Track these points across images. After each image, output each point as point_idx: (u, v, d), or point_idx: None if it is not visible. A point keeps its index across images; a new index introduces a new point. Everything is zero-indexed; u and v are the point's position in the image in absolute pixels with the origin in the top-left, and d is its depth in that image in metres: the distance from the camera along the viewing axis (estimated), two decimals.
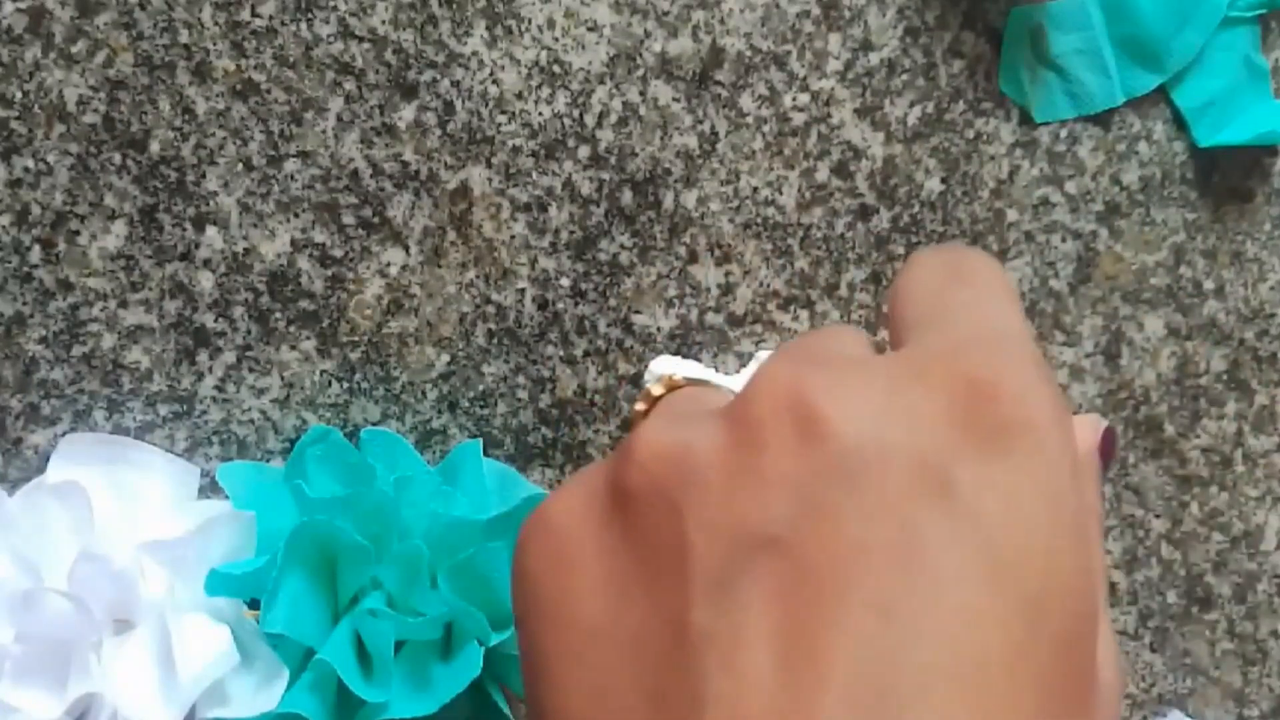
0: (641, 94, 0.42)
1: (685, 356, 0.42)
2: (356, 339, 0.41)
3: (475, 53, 0.41)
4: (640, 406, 0.24)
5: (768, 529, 0.17)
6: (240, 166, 0.41)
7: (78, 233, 0.40)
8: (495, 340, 0.42)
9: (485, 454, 0.41)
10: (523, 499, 0.38)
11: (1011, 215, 0.43)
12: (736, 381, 0.35)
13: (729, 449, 0.18)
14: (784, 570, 0.17)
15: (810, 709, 0.16)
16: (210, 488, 0.41)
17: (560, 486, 0.20)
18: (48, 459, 0.40)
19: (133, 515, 0.38)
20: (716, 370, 0.40)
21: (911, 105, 0.42)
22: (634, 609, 0.18)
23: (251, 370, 0.41)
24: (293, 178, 0.41)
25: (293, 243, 0.41)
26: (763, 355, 0.38)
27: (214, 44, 0.40)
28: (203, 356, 0.41)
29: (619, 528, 0.19)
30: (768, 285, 0.42)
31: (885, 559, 0.17)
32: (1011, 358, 0.18)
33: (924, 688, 0.16)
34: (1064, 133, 0.43)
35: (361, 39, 0.41)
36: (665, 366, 0.37)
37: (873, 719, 0.16)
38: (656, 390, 0.24)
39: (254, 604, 0.38)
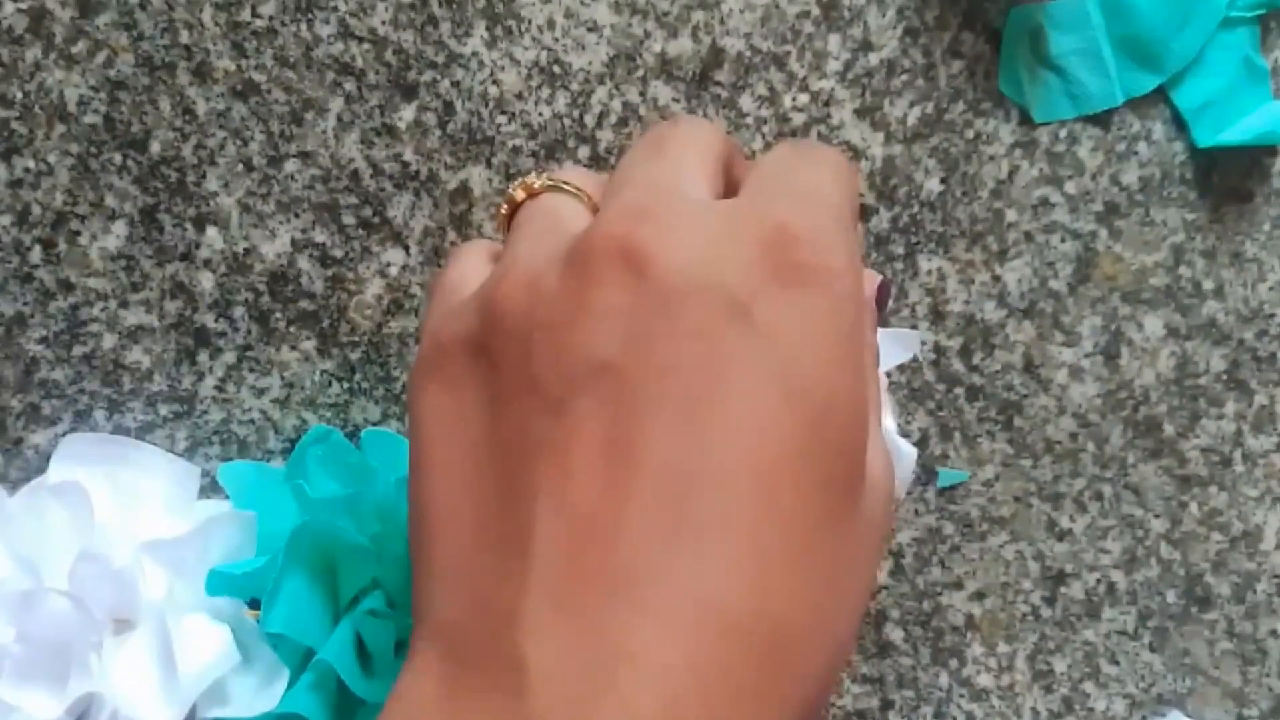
0: (641, 94, 0.42)
1: None
2: (357, 339, 0.42)
3: (475, 53, 0.41)
4: (504, 211, 0.26)
5: (600, 354, 0.21)
6: (241, 167, 0.41)
7: (78, 233, 0.41)
8: None
9: None
10: None
11: (1011, 215, 0.43)
12: None
13: (570, 287, 0.21)
14: (611, 388, 0.20)
15: (626, 495, 0.20)
16: (210, 487, 0.41)
17: (445, 314, 0.24)
18: (48, 459, 0.40)
19: (133, 515, 0.38)
20: None
21: (911, 105, 0.42)
22: (493, 421, 0.22)
23: (252, 370, 0.41)
24: (293, 178, 0.41)
25: (293, 243, 0.41)
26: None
27: (214, 44, 0.40)
28: (203, 356, 0.41)
29: (484, 354, 0.22)
30: None
31: (693, 375, 0.20)
32: (816, 212, 0.22)
33: (721, 482, 0.20)
34: (1063, 133, 0.43)
35: (362, 39, 0.41)
36: None
37: (676, 505, 0.20)
38: (519, 195, 0.26)
39: (254, 604, 0.38)
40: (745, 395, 0.20)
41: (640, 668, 0.19)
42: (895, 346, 0.37)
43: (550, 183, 0.26)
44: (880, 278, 0.27)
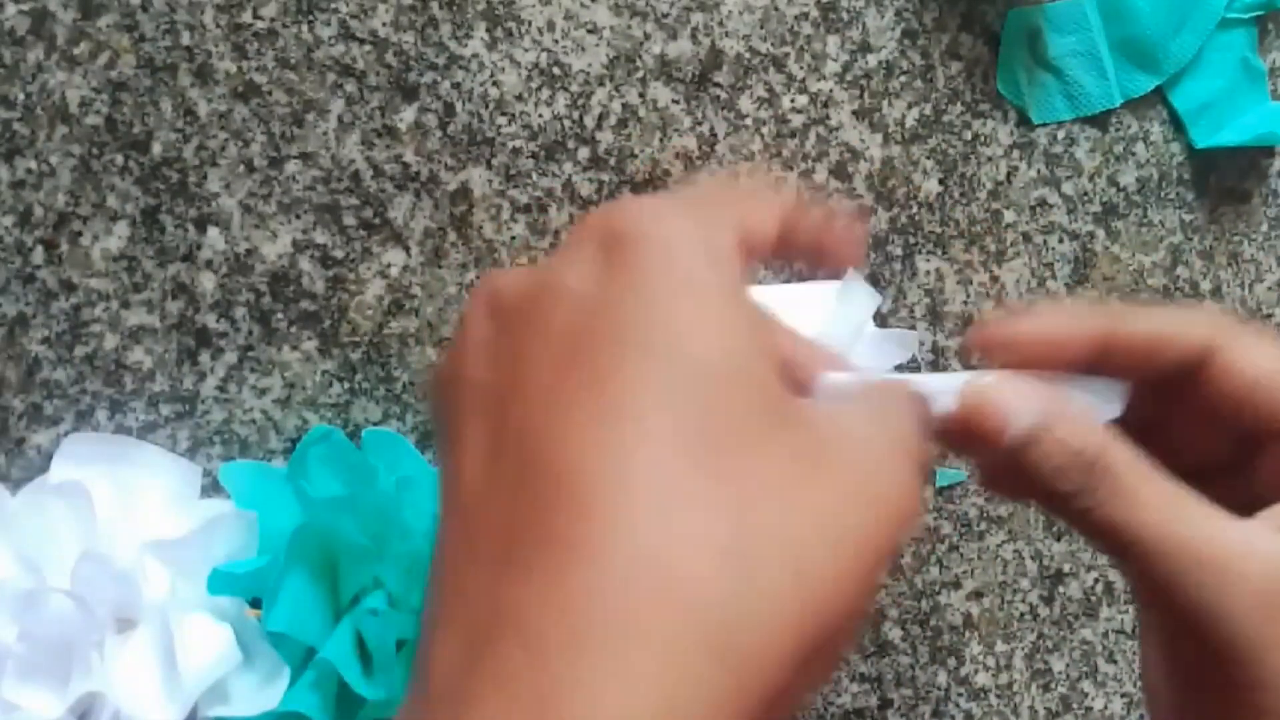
0: (641, 96, 0.42)
1: None
2: (358, 339, 0.42)
3: (476, 55, 0.41)
4: None
5: (474, 378, 0.23)
6: (242, 168, 0.41)
7: (80, 234, 0.41)
8: None
9: None
10: None
11: (1009, 216, 0.43)
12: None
13: (459, 337, 0.24)
14: (484, 400, 0.22)
15: (491, 474, 0.22)
16: (212, 487, 0.41)
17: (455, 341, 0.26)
18: (50, 459, 0.40)
19: (135, 515, 0.39)
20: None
21: (909, 107, 0.43)
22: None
23: (253, 370, 0.41)
24: (294, 179, 0.41)
25: (294, 244, 0.41)
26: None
27: (216, 46, 0.41)
28: (205, 357, 0.41)
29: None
30: (759, 282, 0.42)
31: (541, 360, 0.22)
32: (644, 202, 0.24)
33: (582, 439, 0.20)
34: (1061, 134, 0.43)
35: (362, 41, 0.41)
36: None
37: (536, 466, 0.21)
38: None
39: (255, 603, 0.38)
40: (594, 358, 0.21)
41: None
42: (893, 347, 0.37)
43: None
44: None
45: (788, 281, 0.42)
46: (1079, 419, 0.26)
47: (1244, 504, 0.26)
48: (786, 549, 0.20)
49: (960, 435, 0.26)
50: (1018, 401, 0.26)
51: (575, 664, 0.18)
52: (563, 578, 0.19)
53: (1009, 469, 0.26)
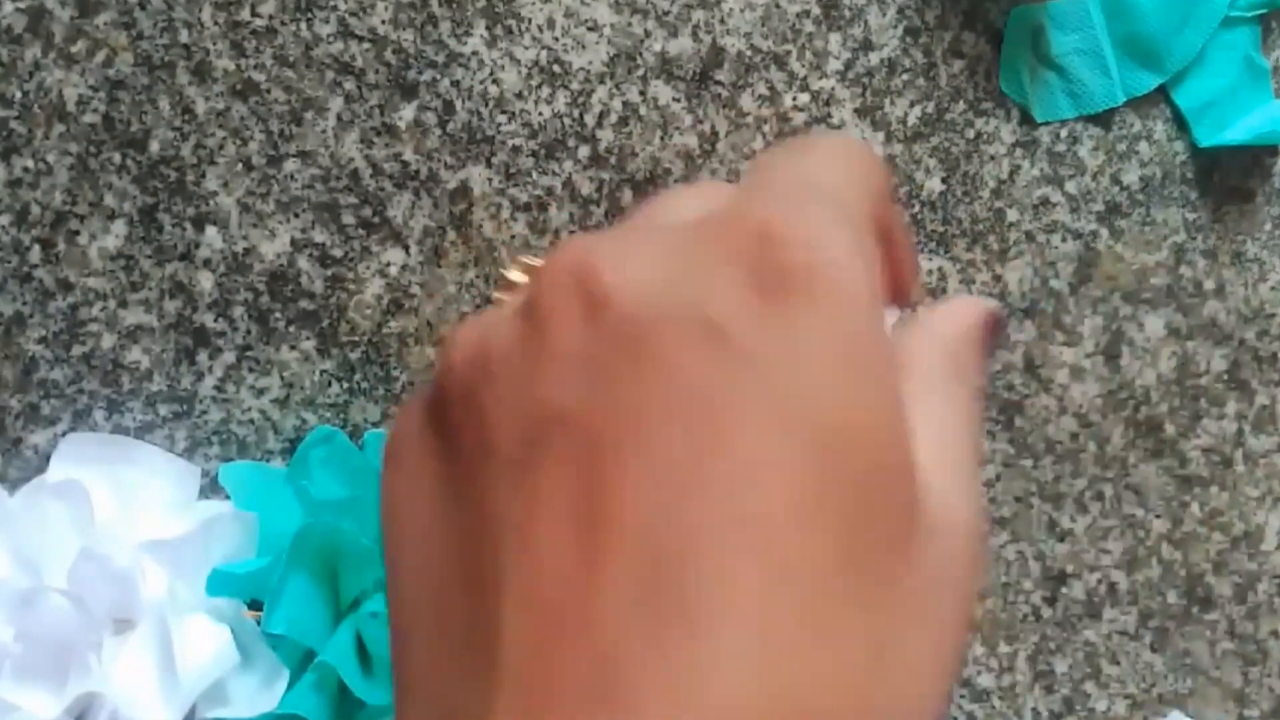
0: (642, 94, 0.42)
1: None
2: (356, 339, 0.41)
3: (475, 52, 0.41)
4: (499, 295, 0.23)
5: (558, 407, 0.17)
6: (240, 166, 0.41)
7: (77, 232, 0.40)
8: None
9: None
10: None
11: (1012, 215, 0.43)
12: None
13: (522, 336, 0.18)
14: (574, 445, 0.17)
15: (598, 576, 0.16)
16: (210, 487, 0.41)
17: (403, 404, 0.21)
18: (48, 459, 0.40)
19: (134, 515, 0.38)
20: None
21: (912, 105, 0.42)
22: (457, 505, 0.18)
23: (251, 370, 0.41)
24: (293, 177, 0.41)
25: (293, 242, 0.41)
26: None
27: (214, 44, 0.40)
28: (202, 356, 0.41)
29: (440, 432, 0.19)
30: None
31: (664, 419, 0.16)
32: (804, 205, 0.18)
33: (713, 549, 0.16)
34: (1064, 132, 0.43)
35: (361, 39, 0.41)
36: None
37: (659, 582, 0.16)
38: (514, 276, 0.22)
39: (253, 604, 0.38)
40: (732, 436, 0.16)
41: None
42: None
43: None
44: (989, 306, 0.22)
45: None
46: None
47: None
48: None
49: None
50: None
51: None
52: None
53: None
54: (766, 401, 0.16)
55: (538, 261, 0.20)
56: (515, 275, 0.21)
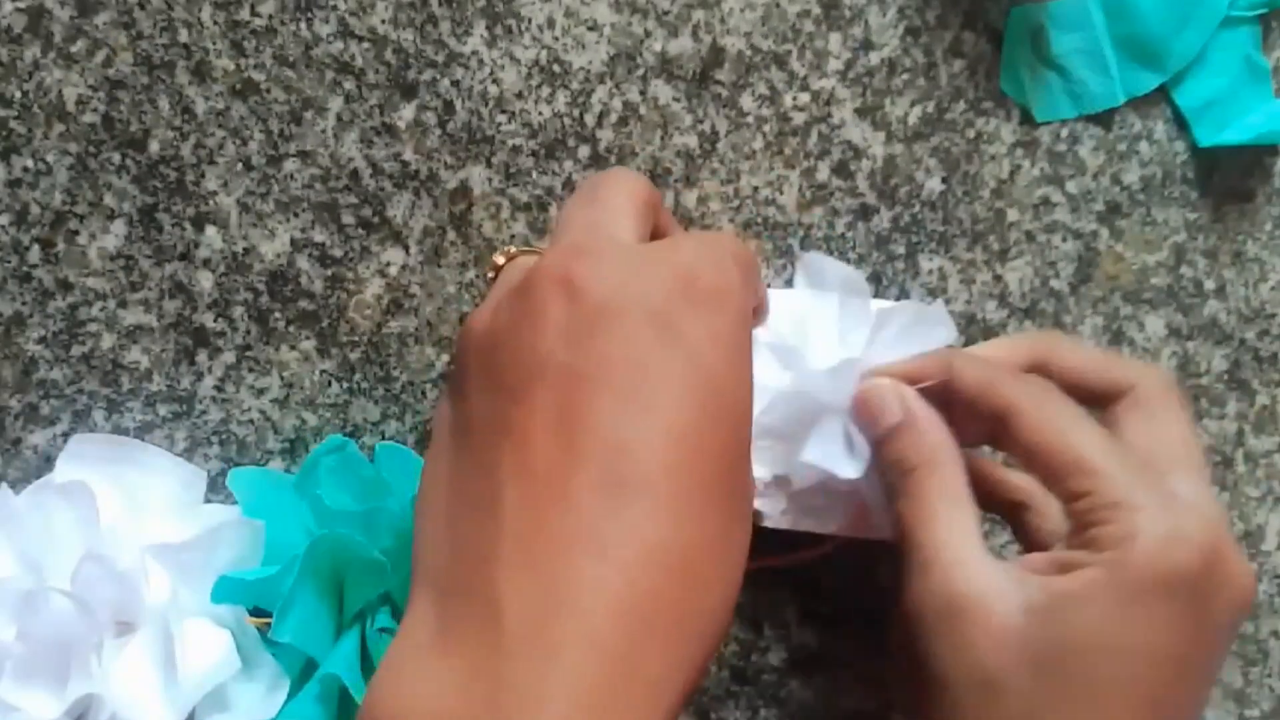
0: (642, 93, 0.42)
1: None
2: (356, 339, 0.41)
3: (475, 52, 0.41)
4: (490, 275, 0.33)
5: (547, 355, 0.26)
6: (240, 166, 0.41)
7: (77, 232, 0.40)
8: None
9: None
10: None
11: (1012, 215, 0.43)
12: (791, 297, 0.39)
13: (520, 308, 0.27)
14: (560, 379, 0.26)
15: (576, 461, 0.25)
16: (210, 488, 0.41)
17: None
18: (47, 459, 0.40)
19: (139, 517, 0.38)
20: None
21: (912, 105, 0.42)
22: (471, 415, 0.28)
23: (251, 370, 0.41)
24: (292, 177, 0.41)
25: (292, 242, 0.41)
26: (808, 256, 0.39)
27: (213, 43, 0.40)
28: (202, 356, 0.41)
29: (465, 372, 0.28)
30: (768, 285, 0.42)
31: (625, 368, 0.26)
32: (717, 252, 0.29)
33: (648, 446, 0.26)
34: (1065, 132, 0.43)
35: (361, 38, 0.41)
36: None
37: (615, 467, 0.25)
38: (499, 260, 0.32)
39: (254, 611, 0.38)
40: (664, 382, 0.26)
41: (596, 593, 0.24)
42: (926, 328, 0.37)
43: (524, 249, 0.33)
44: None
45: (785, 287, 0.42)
46: (925, 433, 0.34)
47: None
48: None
49: (857, 412, 0.35)
50: (889, 403, 0.34)
51: (643, 642, 0.24)
52: (629, 569, 0.25)
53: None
54: (683, 364, 0.26)
55: (517, 249, 0.33)
56: (499, 259, 0.33)
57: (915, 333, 0.36)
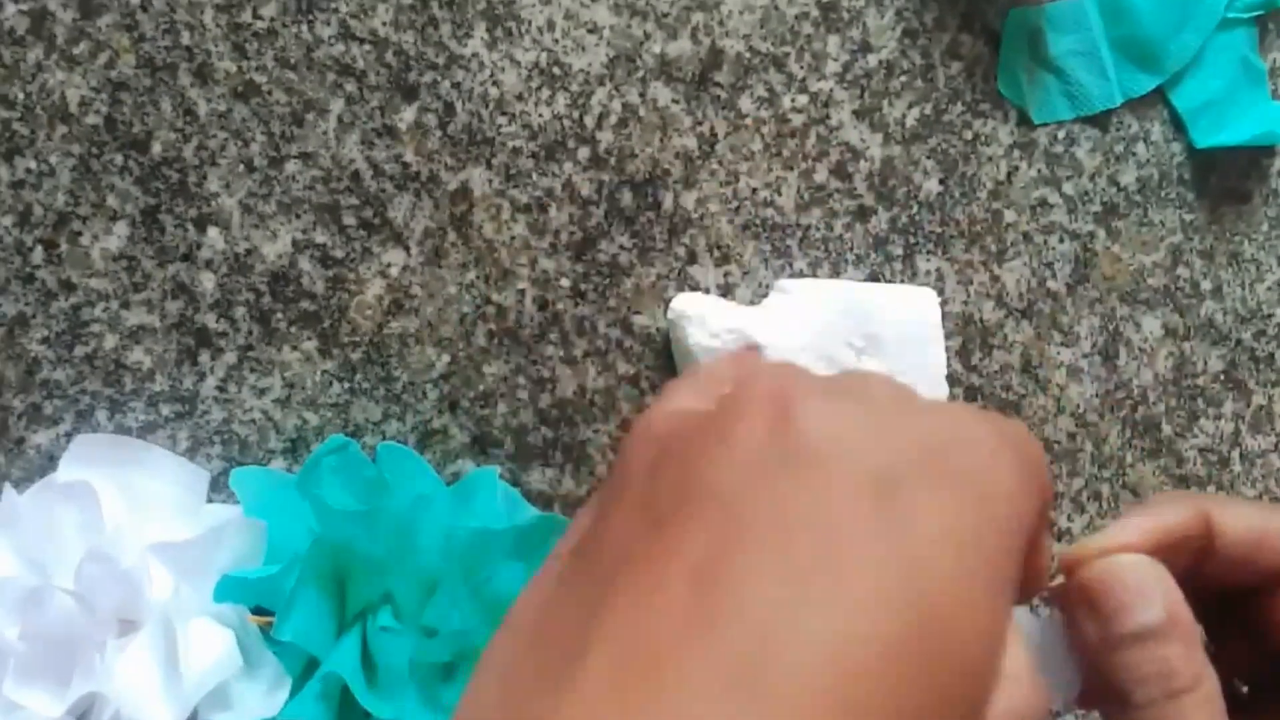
0: (641, 95, 0.42)
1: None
2: (357, 339, 0.42)
3: (475, 54, 0.41)
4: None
5: (716, 484, 0.20)
6: (242, 167, 0.41)
7: (80, 233, 0.41)
8: (495, 340, 0.42)
9: (485, 454, 0.41)
10: (537, 518, 0.39)
11: (1009, 216, 0.43)
12: (757, 314, 0.38)
13: (714, 421, 0.21)
14: (718, 517, 0.19)
15: (696, 635, 0.18)
16: (212, 488, 0.41)
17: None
18: (50, 458, 0.40)
19: (142, 517, 0.39)
20: (734, 303, 0.41)
21: (910, 106, 0.43)
22: (605, 528, 0.21)
23: (253, 370, 0.41)
24: (294, 179, 0.41)
25: (294, 243, 0.41)
26: (783, 283, 0.39)
27: (215, 46, 0.41)
28: (204, 357, 0.41)
29: (622, 472, 0.22)
30: (767, 286, 0.42)
31: (801, 528, 0.19)
32: (975, 430, 0.21)
33: (802, 662, 0.17)
34: (1062, 134, 0.43)
35: (362, 41, 0.41)
36: (685, 304, 0.39)
37: (745, 666, 0.17)
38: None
39: (256, 610, 0.38)
40: (858, 573, 0.18)
41: None
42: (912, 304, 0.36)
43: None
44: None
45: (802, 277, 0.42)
46: (1191, 637, 0.24)
47: None
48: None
49: (1070, 596, 0.25)
50: (1149, 593, 0.24)
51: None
52: None
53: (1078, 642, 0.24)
54: (897, 557, 0.18)
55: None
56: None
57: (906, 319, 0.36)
